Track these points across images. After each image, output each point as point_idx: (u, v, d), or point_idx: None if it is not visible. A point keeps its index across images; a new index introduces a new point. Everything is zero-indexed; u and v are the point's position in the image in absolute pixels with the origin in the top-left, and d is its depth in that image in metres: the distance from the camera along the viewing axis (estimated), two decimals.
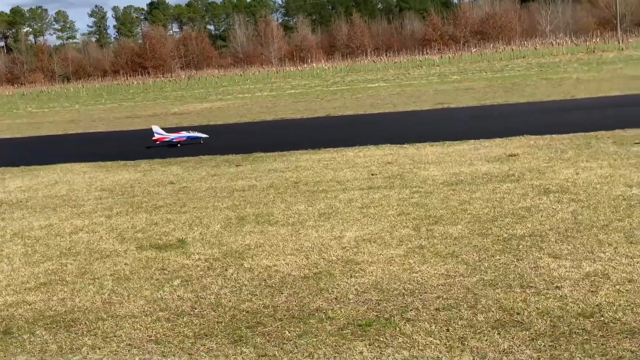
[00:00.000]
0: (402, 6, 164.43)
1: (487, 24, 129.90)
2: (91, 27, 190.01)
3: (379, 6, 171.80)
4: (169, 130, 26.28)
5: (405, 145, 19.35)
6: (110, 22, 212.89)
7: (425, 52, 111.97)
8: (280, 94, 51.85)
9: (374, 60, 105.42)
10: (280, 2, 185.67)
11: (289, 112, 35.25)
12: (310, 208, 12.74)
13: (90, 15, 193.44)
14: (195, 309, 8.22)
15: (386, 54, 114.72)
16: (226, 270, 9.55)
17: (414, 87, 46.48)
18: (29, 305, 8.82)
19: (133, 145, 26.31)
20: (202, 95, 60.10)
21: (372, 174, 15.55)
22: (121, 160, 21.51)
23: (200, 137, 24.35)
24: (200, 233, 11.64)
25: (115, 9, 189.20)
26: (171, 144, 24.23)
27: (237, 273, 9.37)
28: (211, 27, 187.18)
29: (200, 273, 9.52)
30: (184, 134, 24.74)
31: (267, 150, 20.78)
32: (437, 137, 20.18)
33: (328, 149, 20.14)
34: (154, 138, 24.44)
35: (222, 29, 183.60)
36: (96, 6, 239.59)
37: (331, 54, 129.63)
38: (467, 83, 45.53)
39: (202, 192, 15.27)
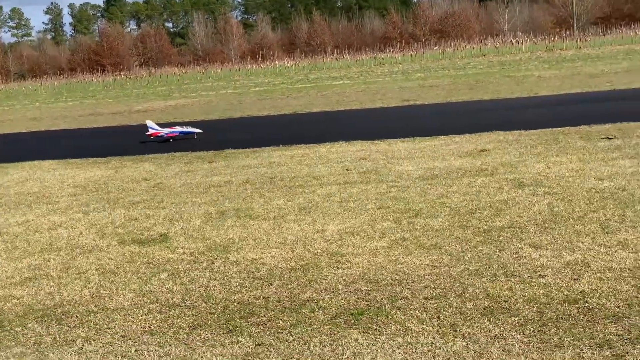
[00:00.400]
0: (361, 4, 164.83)
1: (446, 22, 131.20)
2: (47, 24, 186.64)
3: (339, 4, 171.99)
4: (162, 125, 26.11)
5: (376, 141, 19.50)
6: (67, 19, 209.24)
7: (387, 50, 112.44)
8: (244, 92, 51.73)
9: (336, 58, 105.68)
10: (240, 0, 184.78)
11: (255, 110, 35.23)
12: (290, 203, 12.84)
13: (46, 13, 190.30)
14: (186, 301, 8.29)
15: (347, 52, 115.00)
16: (212, 263, 9.62)
17: (379, 84, 46.77)
18: (17, 299, 8.80)
19: (100, 143, 26.13)
20: (165, 93, 59.66)
21: (347, 169, 15.69)
22: (91, 157, 21.33)
23: (194, 132, 24.21)
24: (182, 228, 11.67)
25: (71, 6, 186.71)
26: (164, 140, 24.10)
27: (224, 266, 9.45)
28: (169, 25, 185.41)
29: (187, 266, 9.57)
30: (177, 129, 24.62)
31: (238, 147, 20.77)
32: (407, 133, 20.37)
33: (300, 145, 20.23)
34: (147, 133, 24.30)
35: (181, 26, 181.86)
36: (52, 3, 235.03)
37: (292, 52, 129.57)
38: (431, 80, 45.99)
39: (178, 188, 15.26)
